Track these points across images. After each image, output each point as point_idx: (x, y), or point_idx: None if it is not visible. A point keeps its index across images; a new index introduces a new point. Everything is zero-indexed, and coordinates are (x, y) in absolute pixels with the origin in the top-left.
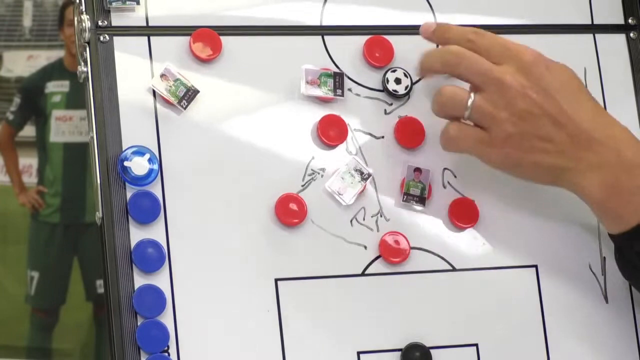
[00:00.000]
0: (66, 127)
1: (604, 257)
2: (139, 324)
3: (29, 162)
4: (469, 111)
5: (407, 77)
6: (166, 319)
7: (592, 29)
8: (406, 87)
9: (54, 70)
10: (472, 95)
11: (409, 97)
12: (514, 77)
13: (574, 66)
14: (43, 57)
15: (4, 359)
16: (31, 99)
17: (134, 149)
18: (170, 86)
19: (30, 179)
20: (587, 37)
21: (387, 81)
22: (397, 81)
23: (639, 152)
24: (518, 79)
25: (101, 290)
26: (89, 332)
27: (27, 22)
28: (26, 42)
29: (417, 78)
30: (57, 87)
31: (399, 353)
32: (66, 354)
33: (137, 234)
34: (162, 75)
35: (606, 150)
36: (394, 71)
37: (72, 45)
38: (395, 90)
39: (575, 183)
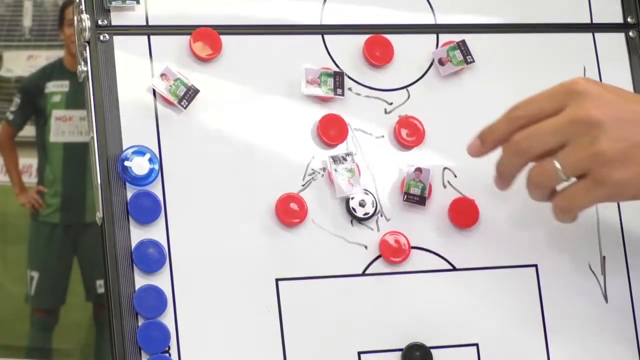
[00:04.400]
0: (66, 127)
1: (604, 257)
2: (139, 324)
3: (29, 162)
4: (563, 173)
5: (367, 194)
6: (167, 319)
7: (591, 27)
8: (372, 203)
9: (54, 70)
10: (554, 160)
11: (409, 96)
12: (583, 108)
13: (573, 65)
14: (43, 57)
15: (4, 358)
16: (31, 99)
17: (134, 149)
18: (171, 86)
19: (30, 179)
20: (586, 36)
21: (354, 210)
22: (362, 204)
23: None
24: (587, 106)
25: (101, 290)
26: (89, 332)
27: (27, 22)
28: (26, 42)
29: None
30: (57, 87)
31: (400, 353)
32: (66, 354)
33: (137, 234)
34: (162, 75)
35: None
36: (353, 198)
37: (72, 45)
38: (366, 213)
39: None
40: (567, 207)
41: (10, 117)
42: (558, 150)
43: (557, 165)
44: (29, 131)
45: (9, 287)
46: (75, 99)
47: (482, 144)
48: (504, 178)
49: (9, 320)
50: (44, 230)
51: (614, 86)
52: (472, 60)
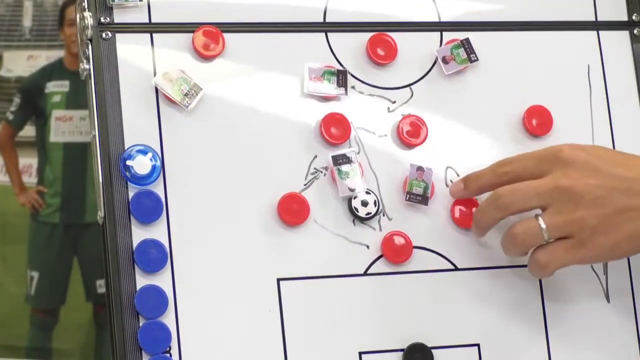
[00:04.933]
0: (66, 127)
1: None
2: (140, 324)
3: (29, 162)
4: (547, 234)
5: (369, 194)
6: (168, 319)
7: (596, 25)
8: (375, 203)
9: (54, 70)
10: (539, 219)
11: (412, 95)
12: (568, 177)
13: (577, 63)
14: (43, 57)
15: (4, 359)
16: (31, 99)
17: (136, 148)
18: (173, 84)
19: (30, 179)
20: (591, 34)
21: (357, 210)
22: (364, 204)
23: None
24: (572, 176)
25: (101, 290)
26: (89, 332)
27: (27, 22)
28: (26, 42)
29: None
30: (57, 87)
31: (401, 353)
32: (66, 354)
33: (139, 234)
34: (164, 73)
35: None
36: (355, 198)
37: (72, 45)
38: (368, 213)
39: None
40: (546, 263)
41: (10, 117)
42: (535, 210)
43: (543, 225)
44: (29, 131)
45: (9, 287)
46: (75, 99)
47: (465, 188)
48: (480, 228)
49: (9, 320)
50: (44, 230)
51: (603, 149)
52: (476, 58)
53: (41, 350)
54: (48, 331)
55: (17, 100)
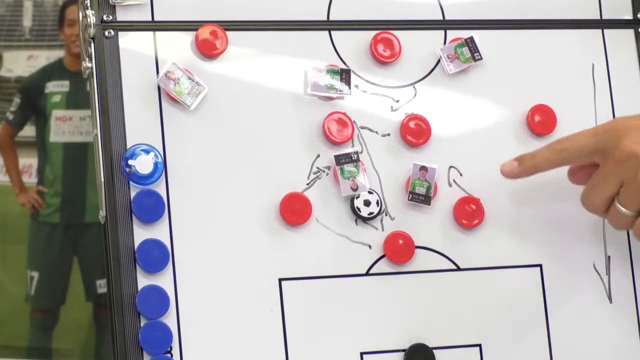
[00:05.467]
0: (66, 127)
1: (609, 257)
2: (142, 324)
3: (29, 162)
4: (629, 212)
5: (372, 194)
6: (169, 319)
7: (601, 24)
8: (377, 202)
9: (54, 70)
10: (616, 202)
11: (415, 94)
12: (622, 145)
13: (582, 62)
14: (43, 57)
15: (4, 359)
16: (31, 99)
17: (138, 147)
18: (176, 83)
19: (30, 179)
20: (596, 32)
21: (359, 209)
22: (367, 203)
23: None
24: (624, 142)
25: (101, 290)
26: (89, 332)
27: (27, 22)
28: (26, 42)
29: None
30: (57, 87)
31: (402, 354)
32: (66, 354)
33: (140, 234)
34: (167, 72)
35: None
36: (357, 197)
37: (72, 45)
38: (370, 213)
39: None
40: None
41: (10, 117)
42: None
43: (621, 207)
44: (29, 131)
45: (9, 287)
46: (75, 99)
47: (519, 166)
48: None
49: (9, 320)
50: (44, 230)
51: None
52: (480, 57)
53: (41, 350)
54: (48, 331)
55: (17, 100)
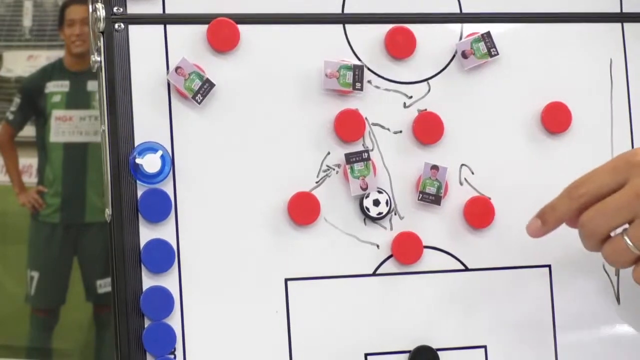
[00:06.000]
0: (66, 127)
1: None
2: (146, 325)
3: (29, 162)
4: (635, 248)
5: (381, 193)
6: (174, 320)
7: (621, 17)
8: (387, 202)
9: (54, 70)
10: (624, 235)
11: (429, 89)
12: None
13: (600, 57)
14: (43, 57)
15: (4, 359)
16: (31, 99)
17: (146, 145)
18: (186, 79)
19: (30, 179)
20: (615, 26)
21: (368, 209)
22: (376, 203)
23: None
24: None
25: (101, 290)
26: (89, 332)
27: (27, 22)
28: (26, 42)
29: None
30: (57, 87)
31: (407, 355)
32: (66, 354)
33: (146, 233)
34: (177, 68)
35: None
36: (367, 197)
37: (72, 45)
38: (379, 213)
39: None
40: None
41: (10, 117)
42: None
43: (629, 242)
44: (29, 131)
45: (9, 287)
46: (75, 99)
47: (544, 224)
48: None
49: (9, 320)
50: (44, 230)
51: None
52: (496, 53)
53: (41, 350)
54: (48, 331)
55: (17, 100)
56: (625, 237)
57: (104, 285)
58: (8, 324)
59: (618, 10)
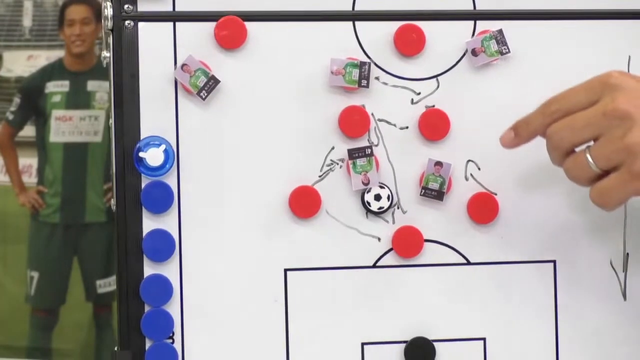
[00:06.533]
0: (66, 127)
1: (627, 254)
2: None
3: (29, 162)
4: (594, 166)
5: (383, 188)
6: (173, 307)
7: None
8: (388, 197)
9: (54, 70)
10: (586, 151)
11: (438, 86)
12: (615, 102)
13: (618, 54)
14: (43, 57)
15: (4, 359)
16: (31, 99)
17: (150, 140)
18: (191, 76)
19: (30, 179)
20: (635, 24)
21: (369, 204)
22: (377, 198)
23: None
24: (620, 100)
25: (101, 290)
26: (89, 332)
27: (27, 22)
28: (26, 42)
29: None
30: (57, 87)
31: (403, 345)
32: (66, 354)
33: (149, 224)
34: (183, 65)
35: None
36: (368, 192)
37: (72, 45)
38: (380, 207)
39: None
40: (601, 203)
41: (10, 117)
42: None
43: (589, 158)
44: (29, 131)
45: (9, 287)
46: (75, 99)
47: (516, 136)
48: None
49: (9, 320)
50: (44, 230)
51: None
52: (507, 51)
53: (41, 350)
54: (48, 331)
55: (17, 100)
56: (587, 154)
57: (104, 285)
58: (8, 324)
59: (639, 8)
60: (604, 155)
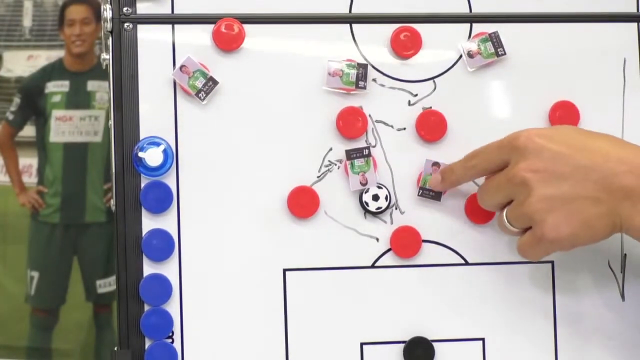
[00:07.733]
0: (66, 127)
1: (625, 254)
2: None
3: (29, 162)
4: (511, 225)
5: (381, 188)
6: (173, 306)
7: (637, 17)
8: (386, 197)
9: (54, 70)
10: (504, 212)
11: (435, 88)
12: (518, 168)
13: (613, 57)
14: (43, 57)
15: (4, 359)
16: (31, 99)
17: (149, 140)
18: (190, 77)
19: (30, 179)
20: (630, 27)
21: (367, 204)
22: (375, 198)
23: None
24: (519, 167)
25: (101, 290)
26: (89, 332)
27: (27, 22)
28: (26, 42)
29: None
30: (57, 87)
31: (402, 345)
32: (66, 354)
33: (148, 224)
34: (182, 66)
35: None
36: (366, 192)
37: (72, 45)
38: (378, 208)
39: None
40: (523, 256)
41: (10, 117)
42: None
43: (504, 218)
44: (29, 131)
45: (9, 287)
46: (75, 99)
47: (442, 181)
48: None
49: (9, 320)
50: (44, 230)
51: (568, 131)
52: (503, 53)
53: (41, 350)
54: (48, 331)
55: (17, 100)
56: (504, 216)
57: (104, 286)
58: (8, 324)
59: (634, 11)
60: (514, 218)
